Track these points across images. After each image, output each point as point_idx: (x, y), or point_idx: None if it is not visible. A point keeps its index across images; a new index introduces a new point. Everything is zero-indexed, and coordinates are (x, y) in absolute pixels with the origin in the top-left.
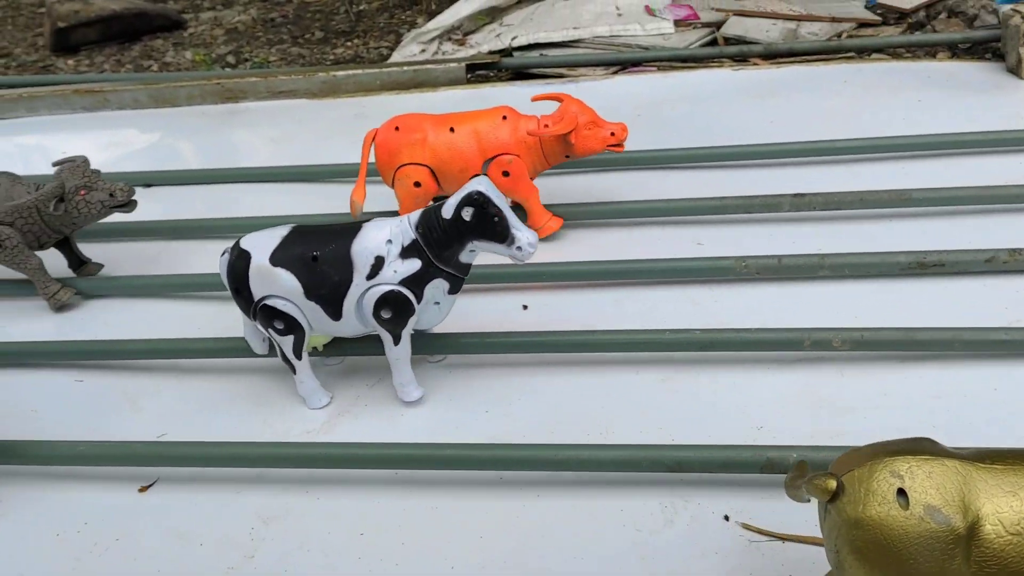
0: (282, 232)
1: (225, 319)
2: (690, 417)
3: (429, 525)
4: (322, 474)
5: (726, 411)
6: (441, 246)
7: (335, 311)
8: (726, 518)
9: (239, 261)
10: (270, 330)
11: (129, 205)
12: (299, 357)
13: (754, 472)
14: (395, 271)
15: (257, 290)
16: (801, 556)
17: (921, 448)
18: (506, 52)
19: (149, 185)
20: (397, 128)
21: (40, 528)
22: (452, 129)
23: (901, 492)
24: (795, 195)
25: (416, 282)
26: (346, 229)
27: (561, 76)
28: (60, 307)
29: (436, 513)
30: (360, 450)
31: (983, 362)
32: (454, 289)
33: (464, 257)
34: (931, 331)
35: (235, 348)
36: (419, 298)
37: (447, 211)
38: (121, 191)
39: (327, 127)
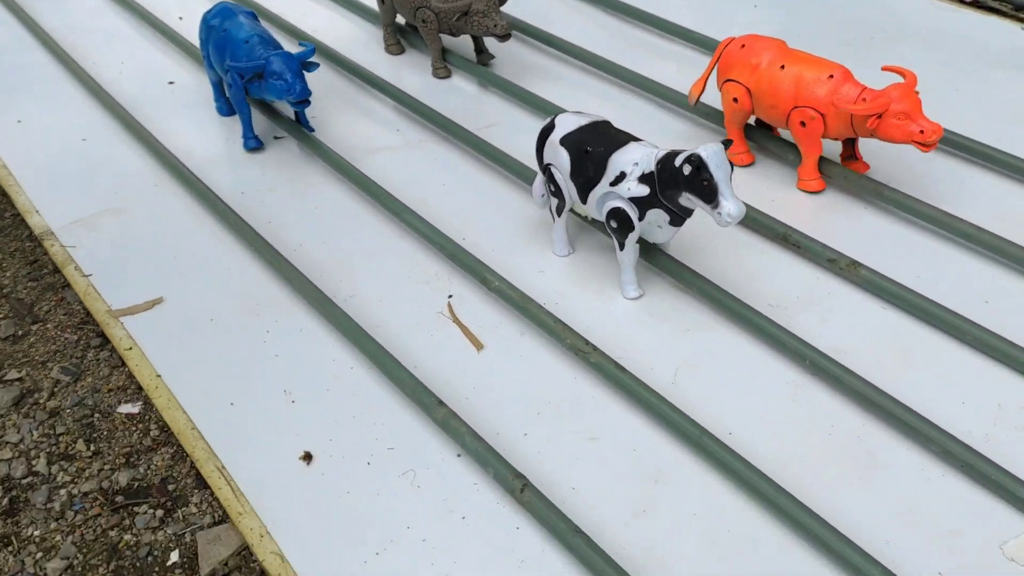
0: (586, 120)
1: None
2: None
3: None
4: None
5: None
6: (665, 185)
7: (584, 197)
8: None
9: (546, 129)
10: (547, 186)
11: (504, 38)
12: (559, 215)
13: None
14: (628, 188)
15: (547, 156)
16: None
17: None
18: None
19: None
20: (743, 46)
21: None
22: (783, 66)
23: None
24: None
25: (641, 204)
26: (621, 140)
27: None
28: (438, 77)
29: None
30: None
31: None
32: (675, 223)
33: (683, 201)
34: None
35: None
36: (641, 218)
37: (678, 160)
38: (501, 27)
39: None
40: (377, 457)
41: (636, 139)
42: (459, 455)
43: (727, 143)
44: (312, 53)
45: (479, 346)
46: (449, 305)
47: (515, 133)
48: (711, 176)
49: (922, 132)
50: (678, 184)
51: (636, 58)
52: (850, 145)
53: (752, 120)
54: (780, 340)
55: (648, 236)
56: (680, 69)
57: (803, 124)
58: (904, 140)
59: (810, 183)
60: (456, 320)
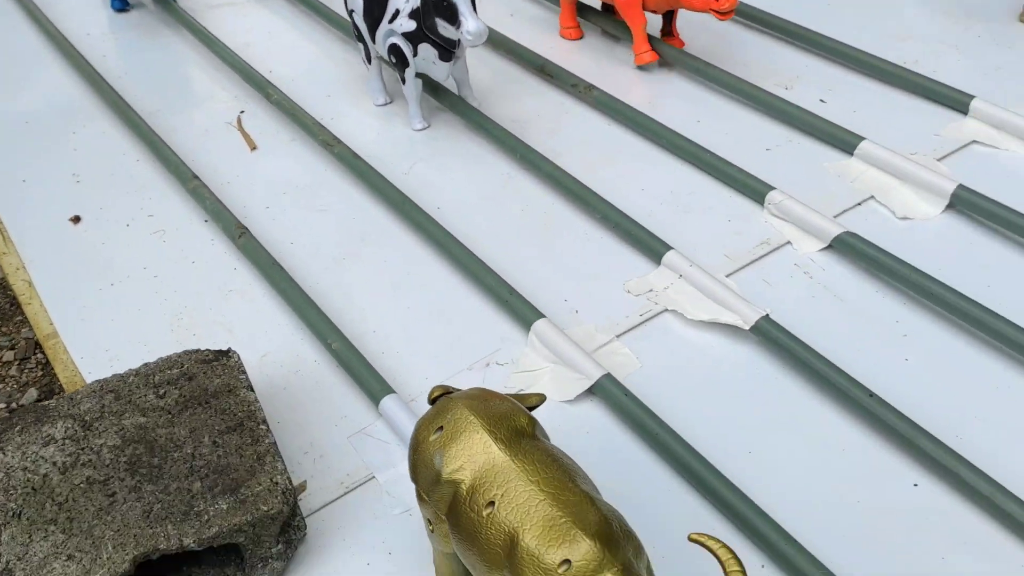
0: None
1: None
2: None
3: None
4: None
5: None
6: (425, 16)
7: (373, 37)
8: None
9: None
10: (354, 32)
11: None
12: (368, 62)
13: None
14: (400, 24)
15: (349, 3)
16: None
17: (479, 407)
18: None
19: None
20: None
21: None
22: None
23: (440, 428)
24: None
25: (412, 39)
26: None
27: None
28: None
29: None
30: None
31: None
32: (443, 57)
33: (443, 31)
34: None
35: None
36: (414, 53)
37: None
38: None
39: None
40: (137, 221)
41: None
42: (206, 220)
43: None
44: None
45: (252, 146)
46: (239, 118)
47: None
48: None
49: (717, 0)
50: (430, 11)
51: None
52: (668, 22)
53: (599, 5)
54: (500, 138)
55: (428, 72)
56: None
57: None
58: (703, 8)
59: (643, 56)
60: (240, 127)
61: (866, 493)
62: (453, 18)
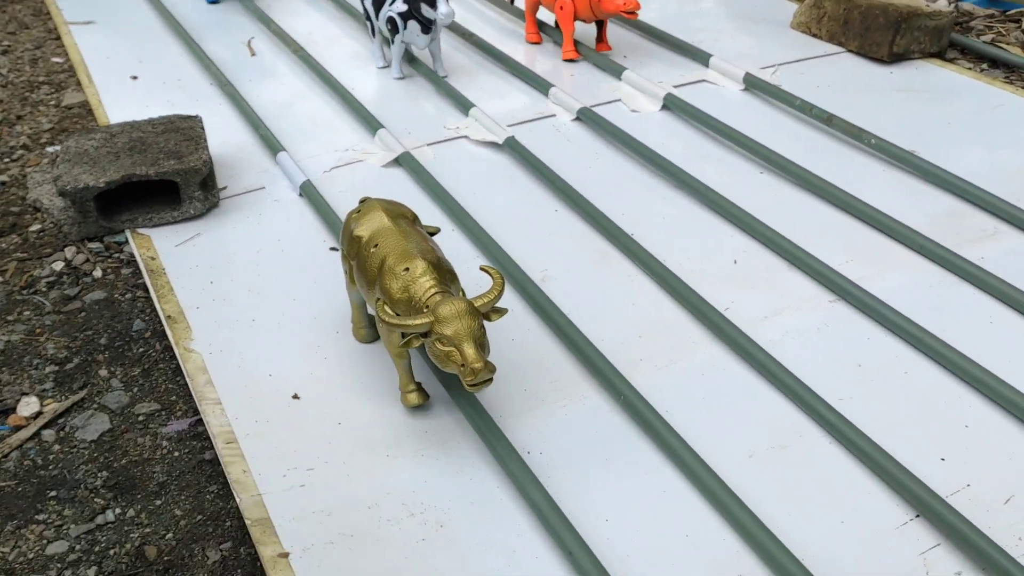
0: None
1: None
2: None
3: None
4: None
5: None
6: (413, 1)
7: (377, 15)
8: None
9: None
10: (364, 11)
11: None
12: (373, 35)
13: None
14: (396, 6)
15: None
16: None
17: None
18: None
19: None
20: None
21: None
22: None
23: (359, 211)
24: None
25: (403, 17)
26: None
27: None
28: None
29: None
30: None
31: None
32: (424, 31)
33: (425, 12)
34: None
35: None
36: (404, 27)
37: None
38: None
39: None
40: None
41: None
42: None
43: None
44: None
45: (252, 52)
46: (249, 42)
47: None
48: None
49: (624, 3)
50: None
51: None
52: (599, 29)
53: (553, 22)
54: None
55: (412, 43)
56: None
57: (562, 8)
58: (615, 11)
59: (569, 53)
60: (250, 48)
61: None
62: (432, 3)
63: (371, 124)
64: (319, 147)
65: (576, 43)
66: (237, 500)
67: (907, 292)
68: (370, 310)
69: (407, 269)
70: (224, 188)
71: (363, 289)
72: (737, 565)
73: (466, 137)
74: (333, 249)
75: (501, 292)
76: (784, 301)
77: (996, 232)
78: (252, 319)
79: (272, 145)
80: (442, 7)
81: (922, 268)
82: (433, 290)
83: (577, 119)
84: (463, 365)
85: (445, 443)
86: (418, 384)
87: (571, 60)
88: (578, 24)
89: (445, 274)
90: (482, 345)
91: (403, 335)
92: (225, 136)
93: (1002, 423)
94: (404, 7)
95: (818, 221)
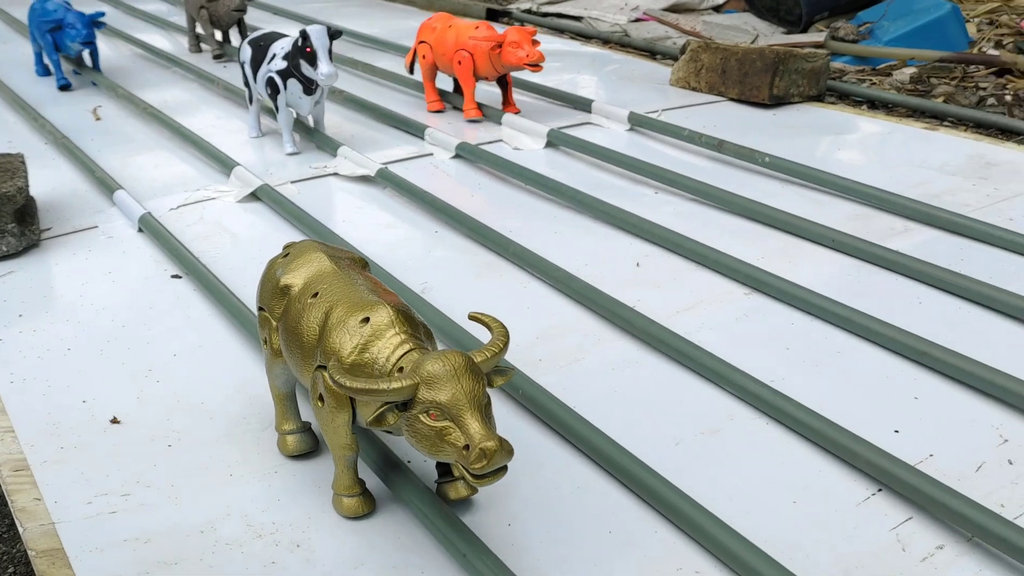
0: (266, 31)
1: None
2: None
3: None
4: None
5: None
6: (293, 58)
7: (255, 78)
8: None
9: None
10: (244, 78)
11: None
12: (250, 102)
13: None
14: (275, 64)
15: (242, 55)
16: None
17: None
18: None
19: None
20: (431, 18)
21: None
22: (451, 26)
23: (287, 254)
24: None
25: (283, 75)
26: (280, 36)
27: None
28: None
29: None
30: None
31: None
32: (307, 92)
33: (306, 71)
34: None
35: None
36: (285, 87)
37: (300, 39)
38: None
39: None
40: None
41: (297, 38)
42: None
43: (333, 30)
44: (102, 16)
45: (97, 118)
46: (95, 110)
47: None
48: (312, 45)
49: (527, 56)
50: (296, 55)
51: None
52: (504, 91)
53: (453, 88)
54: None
55: (295, 107)
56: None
57: (460, 63)
58: (518, 64)
59: (470, 111)
60: (95, 114)
61: None
62: (313, 62)
63: (226, 164)
64: (164, 188)
65: (479, 104)
66: (20, 531)
67: (826, 282)
68: (303, 407)
69: (365, 320)
70: (48, 229)
71: (294, 361)
72: (675, 557)
73: (335, 174)
74: (175, 276)
75: (506, 344)
76: (696, 297)
77: (907, 229)
78: (67, 348)
79: (108, 185)
80: (323, 66)
81: (838, 261)
82: (407, 346)
83: (457, 156)
84: (466, 447)
85: (303, 457)
86: (363, 486)
87: (474, 120)
88: (483, 86)
89: (419, 328)
90: (488, 417)
91: (374, 410)
92: (55, 184)
93: (955, 393)
94: (283, 64)
95: (724, 227)
